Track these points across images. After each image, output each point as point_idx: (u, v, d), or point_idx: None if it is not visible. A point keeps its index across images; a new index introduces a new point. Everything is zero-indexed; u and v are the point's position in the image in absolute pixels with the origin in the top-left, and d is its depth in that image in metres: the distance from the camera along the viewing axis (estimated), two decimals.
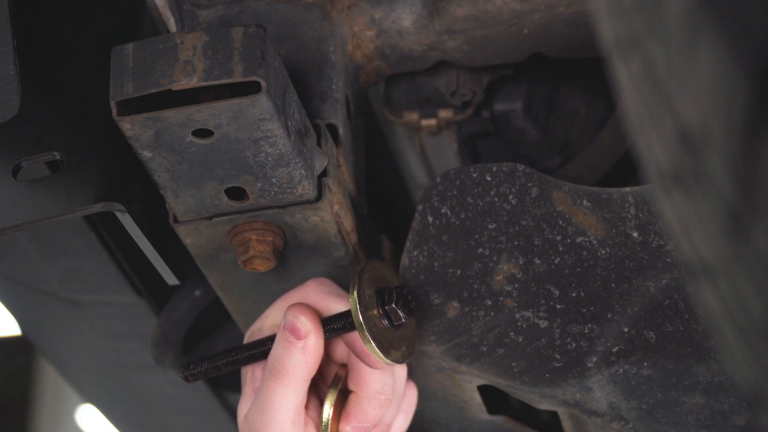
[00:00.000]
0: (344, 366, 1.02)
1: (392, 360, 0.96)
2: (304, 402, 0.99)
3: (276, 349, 0.98)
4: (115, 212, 0.94)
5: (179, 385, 1.44)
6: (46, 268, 1.30)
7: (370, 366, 0.98)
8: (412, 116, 1.22)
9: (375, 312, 0.97)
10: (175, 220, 0.98)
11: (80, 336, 1.42)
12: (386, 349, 0.96)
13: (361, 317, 0.95)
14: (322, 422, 1.00)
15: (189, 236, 0.99)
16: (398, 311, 0.97)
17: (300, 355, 0.97)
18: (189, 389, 1.44)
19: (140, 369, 1.43)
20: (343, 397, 1.01)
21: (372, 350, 0.95)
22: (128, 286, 1.30)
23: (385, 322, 0.97)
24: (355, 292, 0.95)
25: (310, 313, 0.97)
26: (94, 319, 1.37)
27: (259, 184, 0.94)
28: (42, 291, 1.34)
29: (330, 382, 1.02)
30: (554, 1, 1.05)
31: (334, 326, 0.98)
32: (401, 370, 1.03)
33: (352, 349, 0.99)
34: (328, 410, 1.00)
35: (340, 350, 1.02)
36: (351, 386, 1.01)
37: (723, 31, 0.43)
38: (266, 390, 0.98)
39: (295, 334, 0.97)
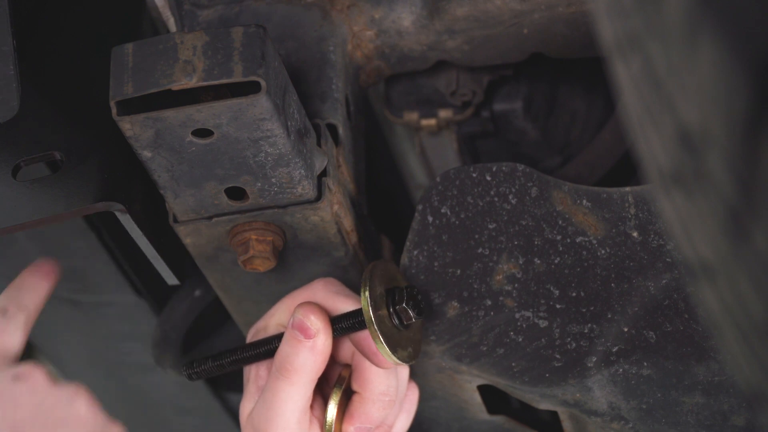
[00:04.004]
0: (348, 366, 1.02)
1: (400, 360, 0.96)
2: (310, 401, 0.99)
3: (284, 348, 0.98)
4: (115, 212, 0.94)
5: (179, 385, 1.44)
6: None
7: (378, 365, 0.98)
8: (412, 116, 1.22)
9: (385, 311, 0.97)
10: (175, 220, 0.98)
11: (80, 336, 1.42)
12: (395, 349, 0.96)
13: (372, 316, 0.95)
14: (326, 422, 1.00)
15: (189, 236, 0.99)
16: (409, 311, 0.97)
17: (308, 354, 0.97)
18: (189, 389, 1.44)
19: (140, 369, 1.43)
20: (347, 397, 1.01)
21: (382, 349, 0.95)
22: (128, 286, 1.30)
23: (395, 321, 0.97)
24: (367, 291, 0.95)
25: (319, 312, 0.97)
26: (94, 319, 1.37)
27: (259, 184, 0.94)
28: None
29: (333, 382, 1.02)
30: (554, 1, 1.05)
31: (342, 325, 0.98)
32: (404, 370, 1.03)
33: (359, 348, 0.99)
34: (332, 410, 1.00)
35: (344, 350, 1.02)
36: (355, 387, 1.01)
37: (723, 31, 0.43)
38: (273, 389, 0.98)
39: (304, 332, 0.97)
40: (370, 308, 0.95)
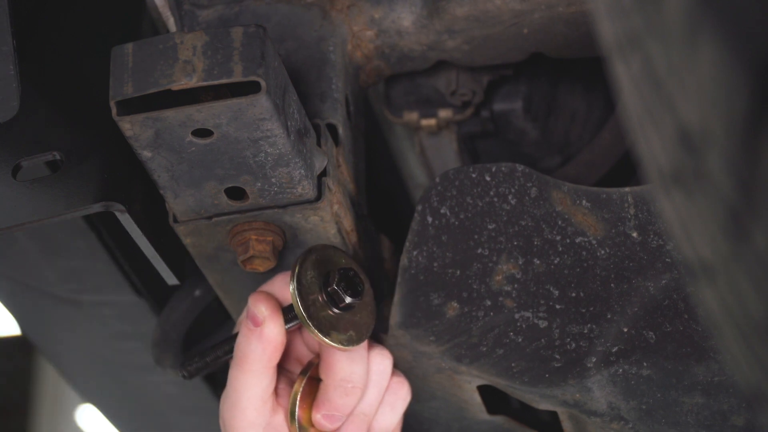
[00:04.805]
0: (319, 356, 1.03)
1: (333, 342, 0.96)
2: (270, 389, 1.00)
3: (239, 337, 1.00)
4: (115, 212, 0.95)
5: (179, 385, 1.44)
6: (46, 268, 1.30)
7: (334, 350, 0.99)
8: (412, 116, 1.22)
9: (317, 295, 0.97)
10: (175, 220, 0.98)
11: (80, 336, 1.43)
12: (326, 331, 0.96)
13: (298, 298, 0.95)
14: (289, 410, 1.01)
15: (189, 236, 0.99)
16: (340, 293, 0.97)
17: (257, 342, 0.98)
18: (189, 389, 1.44)
19: (140, 369, 1.43)
20: (317, 385, 1.02)
21: (309, 329, 0.96)
22: (128, 286, 1.30)
23: (331, 305, 0.97)
24: (295, 276, 0.96)
25: (268, 301, 0.99)
26: (94, 319, 1.37)
27: (259, 184, 0.94)
28: (42, 291, 1.34)
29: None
30: (554, 1, 1.05)
31: (291, 314, 0.99)
32: (381, 361, 1.02)
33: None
34: (294, 397, 1.01)
35: (313, 340, 1.03)
36: (320, 374, 1.02)
37: (723, 31, 0.43)
38: (230, 377, 1.00)
39: (254, 321, 0.98)
40: (296, 291, 0.95)
